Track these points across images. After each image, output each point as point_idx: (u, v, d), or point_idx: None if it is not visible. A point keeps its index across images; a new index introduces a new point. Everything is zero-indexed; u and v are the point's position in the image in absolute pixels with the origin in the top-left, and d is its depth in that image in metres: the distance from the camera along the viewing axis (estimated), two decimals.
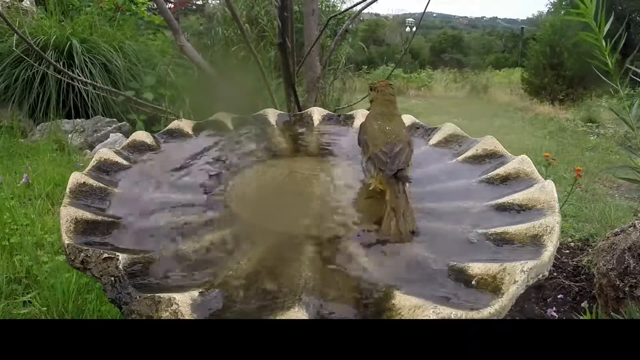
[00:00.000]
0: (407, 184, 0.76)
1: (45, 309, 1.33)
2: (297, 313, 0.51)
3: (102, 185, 0.78)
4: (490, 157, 0.92)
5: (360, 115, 1.16)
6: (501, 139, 0.95)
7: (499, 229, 0.69)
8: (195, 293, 0.55)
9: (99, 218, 0.70)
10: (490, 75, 11.14)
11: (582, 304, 1.53)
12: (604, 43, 1.21)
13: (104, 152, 0.88)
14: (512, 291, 0.55)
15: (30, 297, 1.39)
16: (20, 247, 1.59)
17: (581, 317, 1.44)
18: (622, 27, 1.22)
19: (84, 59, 3.46)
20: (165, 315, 0.52)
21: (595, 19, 1.18)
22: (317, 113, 1.21)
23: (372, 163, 0.80)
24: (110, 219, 0.71)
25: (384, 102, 0.87)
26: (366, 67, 8.88)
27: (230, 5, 1.68)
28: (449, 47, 16.05)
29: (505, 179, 0.84)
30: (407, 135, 0.84)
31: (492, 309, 0.52)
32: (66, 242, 0.63)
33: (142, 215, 0.74)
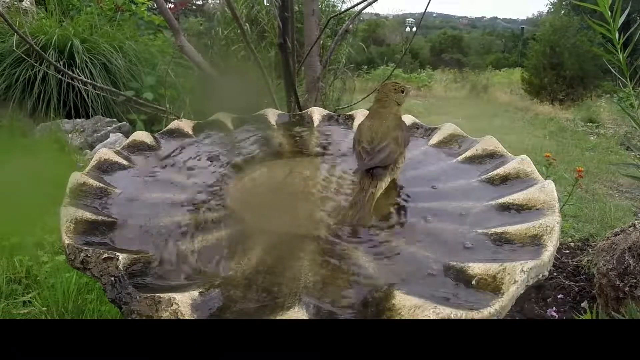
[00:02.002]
0: (380, 181, 0.77)
1: (45, 309, 1.33)
2: (297, 313, 0.51)
3: (102, 185, 0.78)
4: (490, 157, 0.92)
5: (360, 116, 1.16)
6: (501, 139, 0.95)
7: (499, 229, 0.69)
8: (195, 293, 0.55)
9: (99, 218, 0.70)
10: (490, 75, 11.13)
11: (582, 304, 1.54)
12: (617, 35, 1.20)
13: (104, 152, 0.88)
14: (512, 291, 0.55)
15: (30, 297, 1.39)
16: (20, 247, 1.59)
17: (581, 317, 1.44)
18: (637, 23, 1.22)
19: (84, 59, 3.46)
20: (165, 315, 0.52)
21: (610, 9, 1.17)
22: (317, 113, 1.21)
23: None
24: (110, 219, 0.71)
25: (378, 101, 0.89)
26: (366, 67, 8.88)
27: (231, 5, 1.68)
28: (449, 47, 16.03)
29: (505, 179, 0.84)
30: (400, 135, 0.84)
31: (492, 309, 0.52)
32: (66, 242, 0.63)
33: (142, 215, 0.74)
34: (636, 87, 1.29)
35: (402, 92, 0.89)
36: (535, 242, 0.65)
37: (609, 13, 1.18)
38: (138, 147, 0.96)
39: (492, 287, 0.57)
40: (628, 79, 1.23)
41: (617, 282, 1.33)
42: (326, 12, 4.13)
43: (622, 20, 1.19)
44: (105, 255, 0.60)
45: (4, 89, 3.33)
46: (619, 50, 1.21)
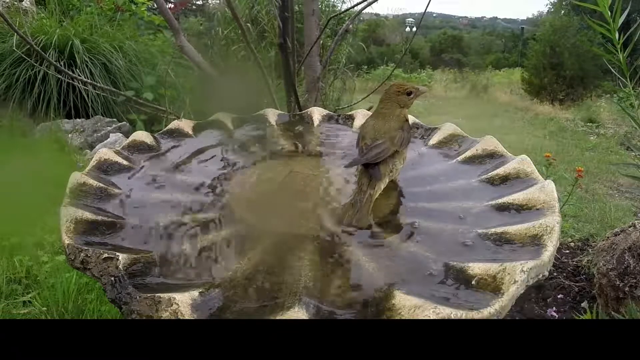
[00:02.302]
0: (379, 182, 0.77)
1: (45, 309, 1.33)
2: (297, 313, 0.51)
3: (102, 185, 0.78)
4: (490, 157, 0.92)
5: (360, 116, 1.16)
6: (501, 139, 0.95)
7: (499, 229, 0.69)
8: (195, 293, 0.55)
9: (99, 218, 0.70)
10: (490, 75, 11.13)
11: (582, 304, 1.54)
12: (617, 35, 1.20)
13: (104, 152, 0.88)
14: (512, 291, 0.55)
15: (30, 297, 1.39)
16: (20, 247, 1.59)
17: (581, 317, 1.44)
18: (637, 23, 1.22)
19: (85, 59, 3.46)
20: (165, 315, 0.52)
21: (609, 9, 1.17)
22: (317, 113, 1.21)
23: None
24: (110, 219, 0.71)
25: (381, 102, 0.89)
26: (366, 67, 8.88)
27: (231, 5, 1.68)
28: (449, 47, 16.02)
29: (505, 179, 0.84)
30: (398, 135, 0.83)
31: (492, 309, 0.52)
32: (66, 242, 0.63)
33: (142, 215, 0.74)
34: (636, 87, 1.29)
35: (409, 94, 0.87)
36: (535, 242, 0.64)
37: (609, 13, 1.18)
38: (138, 147, 0.96)
39: (492, 287, 0.57)
40: (628, 79, 1.23)
41: (617, 282, 1.33)
42: (326, 12, 4.13)
43: (622, 20, 1.20)
44: (105, 255, 0.60)
45: (4, 89, 3.33)
46: (619, 50, 1.21)
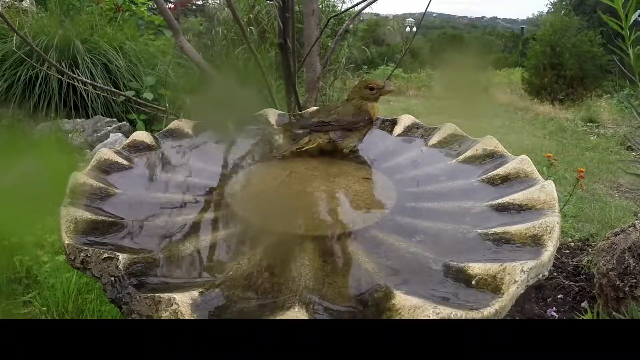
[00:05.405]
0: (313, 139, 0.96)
1: (45, 309, 1.33)
2: (297, 313, 0.51)
3: (102, 185, 0.78)
4: (491, 157, 0.92)
5: None
6: (501, 139, 0.95)
7: (499, 229, 0.69)
8: (195, 293, 0.55)
9: (99, 218, 0.70)
10: (490, 75, 11.10)
11: (582, 304, 1.54)
12: (628, 33, 1.21)
13: (104, 152, 0.88)
14: (512, 291, 0.55)
15: (30, 297, 1.39)
16: (20, 247, 1.59)
17: (581, 317, 1.44)
18: None
19: (85, 60, 3.46)
20: (165, 315, 0.52)
21: (623, 7, 1.19)
22: None
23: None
24: (110, 219, 0.71)
25: (350, 92, 1.03)
26: (366, 67, 8.86)
27: (231, 6, 1.68)
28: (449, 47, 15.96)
29: (505, 179, 0.84)
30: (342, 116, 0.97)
31: (492, 309, 0.52)
32: (66, 242, 0.63)
33: (142, 215, 0.74)
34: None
35: (371, 89, 0.98)
36: (535, 242, 0.65)
37: (622, 10, 1.19)
38: (138, 147, 0.96)
39: (492, 287, 0.57)
40: (638, 76, 1.23)
41: (617, 282, 1.33)
42: (326, 12, 4.12)
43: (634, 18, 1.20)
44: (105, 255, 0.60)
45: (5, 89, 3.32)
46: (629, 47, 1.21)
